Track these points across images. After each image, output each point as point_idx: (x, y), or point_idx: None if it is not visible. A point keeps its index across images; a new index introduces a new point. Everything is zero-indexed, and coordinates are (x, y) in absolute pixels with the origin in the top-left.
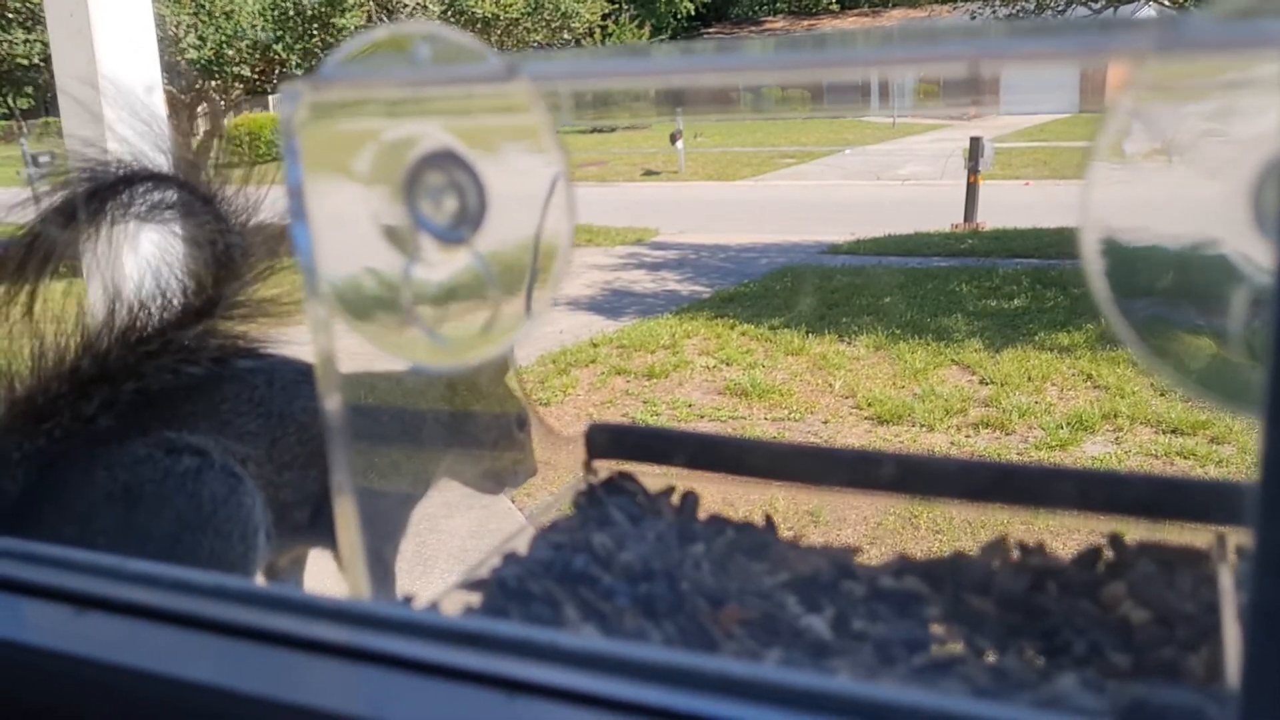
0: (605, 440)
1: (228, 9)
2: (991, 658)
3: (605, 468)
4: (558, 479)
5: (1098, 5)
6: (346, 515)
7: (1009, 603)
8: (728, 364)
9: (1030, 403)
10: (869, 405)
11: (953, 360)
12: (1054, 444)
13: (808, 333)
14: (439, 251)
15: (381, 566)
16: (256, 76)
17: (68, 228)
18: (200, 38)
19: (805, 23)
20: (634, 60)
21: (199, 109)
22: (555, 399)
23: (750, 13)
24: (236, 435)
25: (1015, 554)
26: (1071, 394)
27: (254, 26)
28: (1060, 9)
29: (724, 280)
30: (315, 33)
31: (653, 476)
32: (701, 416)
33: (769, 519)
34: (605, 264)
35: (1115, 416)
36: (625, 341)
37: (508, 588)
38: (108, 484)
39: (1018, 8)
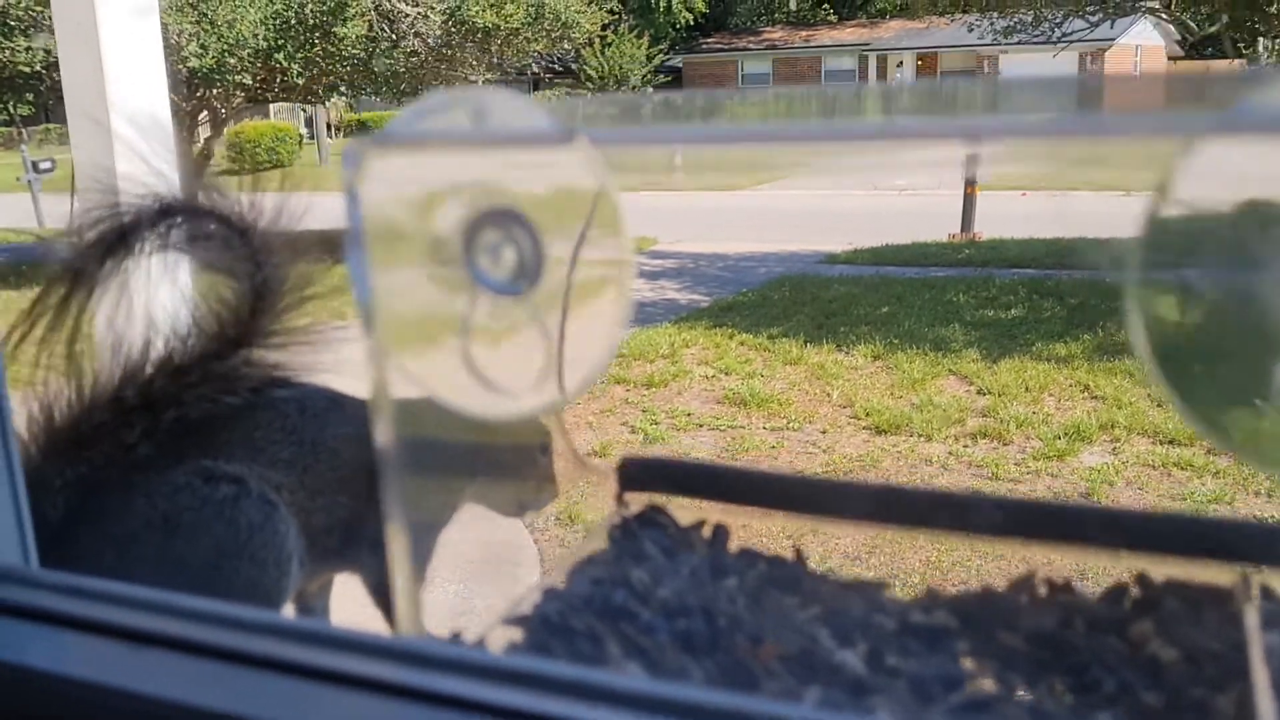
0: (637, 472)
1: (229, 18)
2: (1025, 695)
3: (637, 500)
4: (589, 509)
5: (1094, 18)
6: (398, 548)
7: (1039, 639)
8: (726, 373)
9: (1028, 413)
10: (867, 415)
11: (950, 370)
12: (1051, 454)
13: (806, 342)
14: (496, 303)
15: None
16: (258, 85)
17: (107, 261)
18: (202, 46)
19: (803, 33)
20: (683, 128)
21: (200, 117)
22: None
23: (749, 23)
24: (270, 462)
25: (1043, 590)
26: (1069, 404)
27: (255, 35)
28: (1057, 21)
29: (722, 289)
30: (316, 41)
31: (682, 508)
32: (700, 425)
33: (799, 552)
34: None
35: (1113, 427)
36: (624, 350)
37: (551, 624)
38: (147, 511)
39: (1015, 20)
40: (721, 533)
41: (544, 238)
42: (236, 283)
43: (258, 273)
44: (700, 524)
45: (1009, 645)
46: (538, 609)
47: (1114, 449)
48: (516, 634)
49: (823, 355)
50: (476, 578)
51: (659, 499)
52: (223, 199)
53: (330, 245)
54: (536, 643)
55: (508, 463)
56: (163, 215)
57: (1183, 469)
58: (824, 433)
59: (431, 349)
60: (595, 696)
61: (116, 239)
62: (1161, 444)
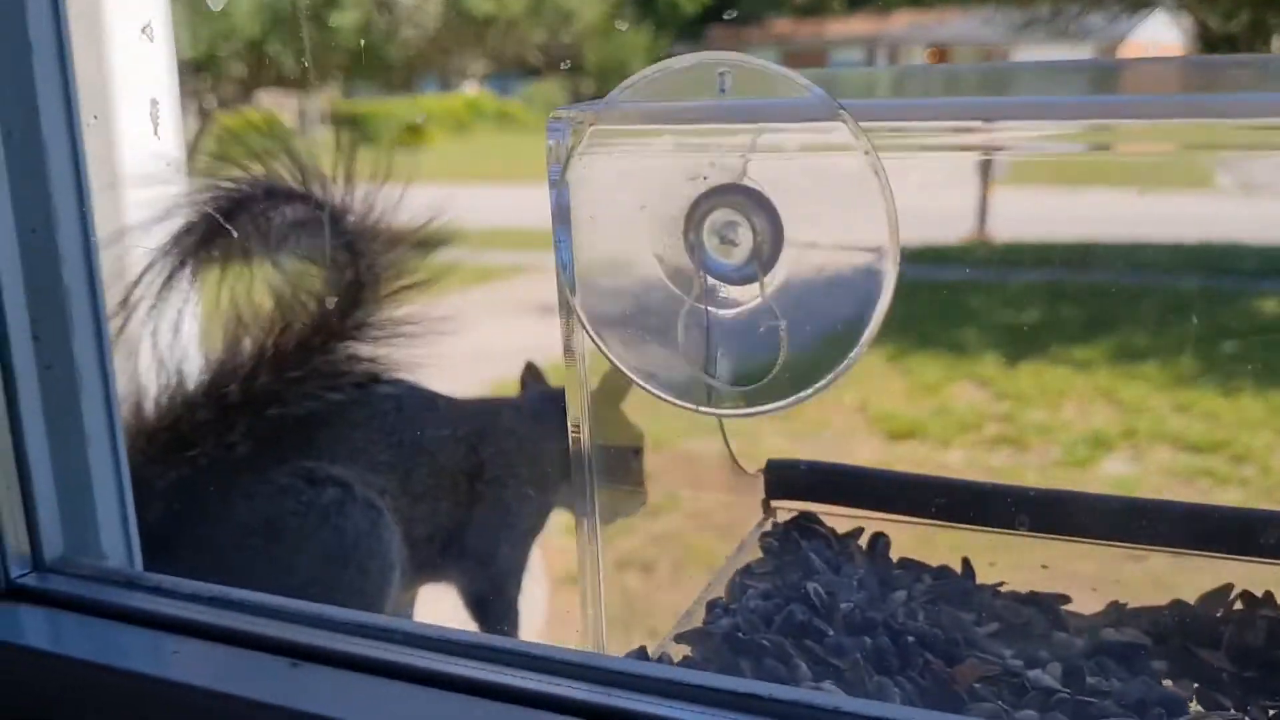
0: (786, 478)
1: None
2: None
3: (783, 506)
4: (738, 518)
5: (1114, 9)
6: (590, 555)
7: (1244, 657)
8: None
9: (1047, 419)
10: (881, 420)
11: (966, 374)
12: (1072, 462)
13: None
14: (724, 290)
15: (504, 603)
16: (249, 74)
17: (208, 244)
18: (194, 35)
19: (811, 24)
20: (955, 103)
21: (190, 107)
22: None
23: (754, 14)
24: (370, 465)
25: (1241, 604)
26: (1089, 410)
27: (248, 24)
28: (1076, 14)
29: None
30: (311, 31)
31: (830, 515)
32: (711, 430)
33: (967, 563)
34: None
35: (1134, 434)
36: None
37: (731, 640)
38: (248, 515)
39: (1031, 15)
40: (881, 542)
41: (785, 219)
42: (334, 272)
43: (356, 262)
44: (857, 532)
45: (1212, 664)
46: (709, 624)
47: (1136, 457)
48: (690, 650)
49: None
50: None
51: (803, 503)
52: (321, 186)
53: (428, 235)
54: (720, 660)
55: (601, 466)
56: (265, 198)
57: (1207, 477)
58: (838, 438)
59: (643, 337)
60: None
61: (216, 222)
62: (1184, 451)
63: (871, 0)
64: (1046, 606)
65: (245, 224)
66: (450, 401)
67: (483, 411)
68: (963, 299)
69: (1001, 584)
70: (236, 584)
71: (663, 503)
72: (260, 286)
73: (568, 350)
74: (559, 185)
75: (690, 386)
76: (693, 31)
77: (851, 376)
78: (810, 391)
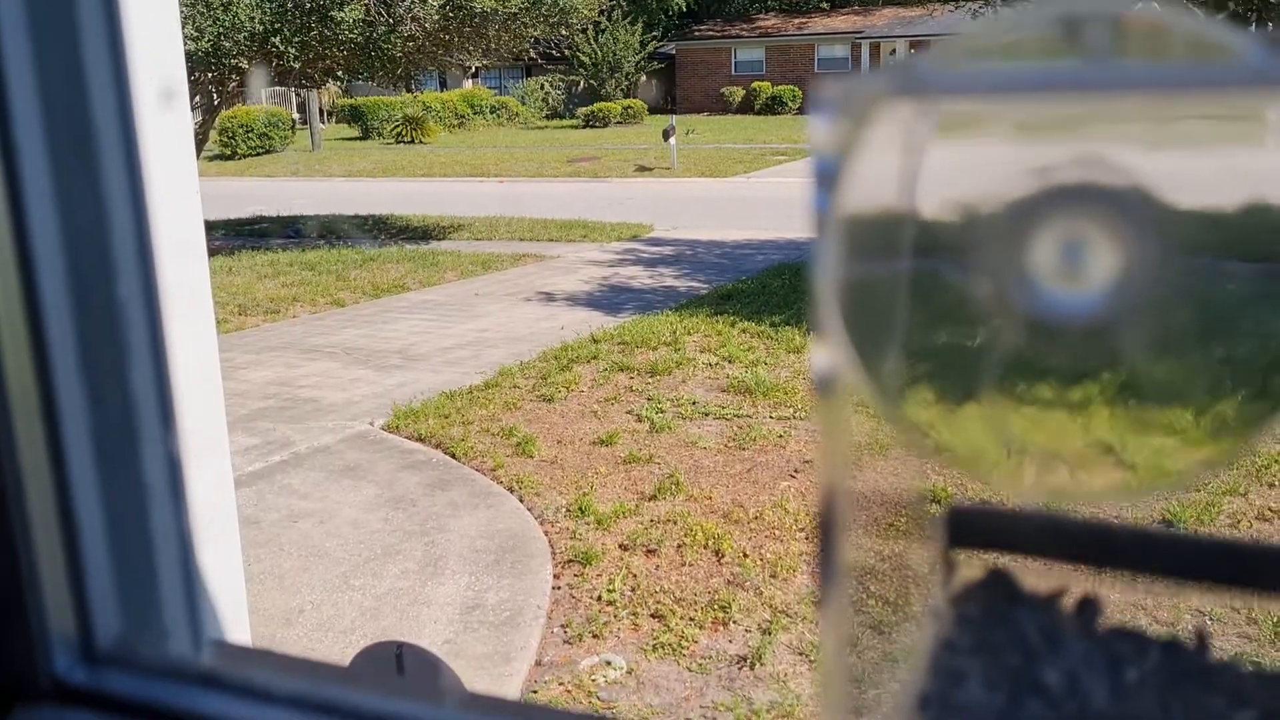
0: (971, 525)
1: (225, 1)
2: None
3: (965, 558)
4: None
5: None
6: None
7: None
8: (730, 361)
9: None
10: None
11: None
12: None
13: (809, 330)
14: (1061, 329)
15: None
16: (253, 69)
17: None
18: (197, 29)
19: (796, 21)
20: None
21: (195, 101)
22: (559, 395)
23: (741, 11)
24: None
25: None
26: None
27: (252, 19)
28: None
29: (721, 277)
30: (314, 25)
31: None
32: (706, 414)
33: (1201, 636)
34: (602, 260)
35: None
36: (626, 338)
37: None
38: None
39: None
40: (1091, 607)
41: (1169, 235)
42: None
43: None
44: (1060, 593)
45: None
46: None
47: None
48: None
49: (813, 328)
50: (487, 569)
51: (982, 554)
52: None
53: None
54: None
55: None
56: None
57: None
58: None
59: (941, 383)
60: None
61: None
62: None
63: None
64: None
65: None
66: None
67: None
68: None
69: (1241, 657)
70: None
71: (663, 485)
72: None
73: (822, 385)
74: (831, 183)
75: (1009, 470)
76: (682, 28)
77: None
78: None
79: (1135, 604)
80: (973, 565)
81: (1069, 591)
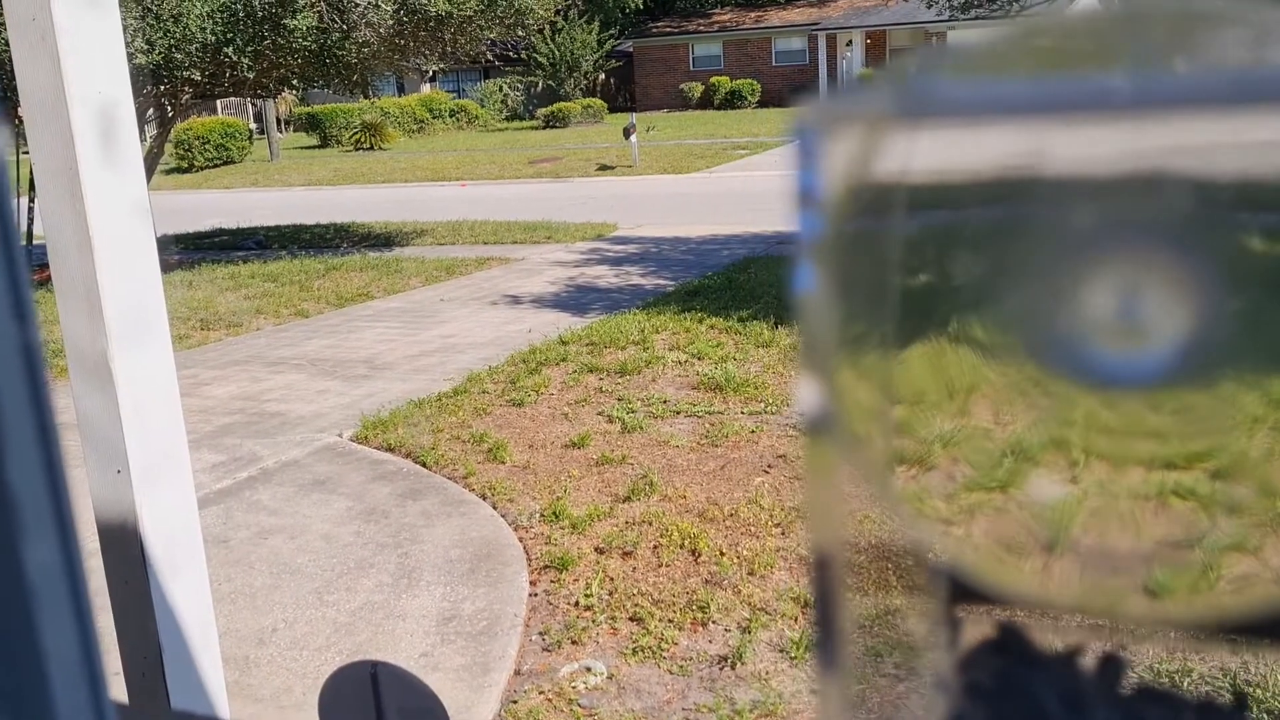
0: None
1: (176, 12)
2: None
3: (968, 612)
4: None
5: None
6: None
7: None
8: (699, 358)
9: None
10: None
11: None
12: None
13: (776, 324)
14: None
15: None
16: (206, 80)
17: None
18: (148, 42)
19: (752, 14)
20: None
21: (147, 114)
22: (529, 399)
23: (698, 6)
24: None
25: None
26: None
27: (203, 29)
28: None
29: (687, 273)
30: (266, 34)
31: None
32: (678, 412)
33: (1241, 698)
34: (567, 260)
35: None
36: (594, 338)
37: None
38: None
39: None
40: (1115, 666)
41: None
42: None
43: None
44: (1079, 651)
45: None
46: None
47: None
48: None
49: (795, 336)
50: (462, 579)
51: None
52: None
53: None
54: None
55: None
56: None
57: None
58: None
59: (946, 463)
60: None
61: None
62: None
63: None
64: None
65: None
66: None
67: None
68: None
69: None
70: None
71: (637, 485)
72: None
73: (814, 429)
74: (818, 209)
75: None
76: (638, 25)
77: None
78: None
79: (1165, 658)
80: (980, 622)
81: (1089, 648)
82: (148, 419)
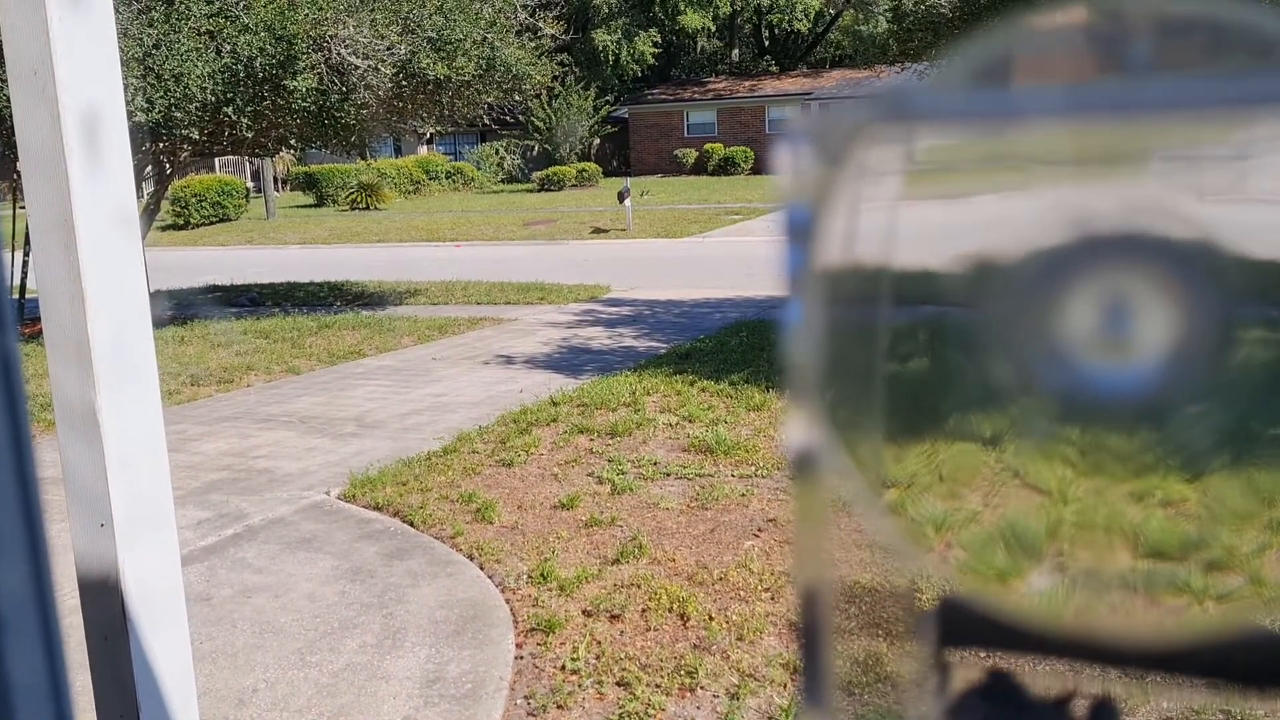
0: (966, 620)
1: (177, 72)
2: None
3: (958, 657)
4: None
5: None
6: None
7: None
8: (690, 420)
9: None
10: None
11: None
12: None
13: (768, 387)
14: (1077, 407)
15: None
16: (205, 139)
17: None
18: (149, 101)
19: (746, 83)
20: None
21: (145, 170)
22: (519, 459)
23: (693, 74)
24: None
25: None
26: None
27: (204, 89)
28: None
29: (679, 336)
30: (266, 94)
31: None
32: (668, 474)
33: None
34: (560, 321)
35: None
36: (586, 399)
37: None
38: None
39: None
40: (1108, 713)
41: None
42: None
43: None
44: (1071, 697)
45: None
46: None
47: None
48: None
49: (787, 400)
50: (447, 640)
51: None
52: None
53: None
54: None
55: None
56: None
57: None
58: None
59: (933, 475)
60: None
61: None
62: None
63: (803, 60)
64: None
65: None
66: None
67: None
68: None
69: None
70: None
71: (626, 548)
72: None
73: (801, 466)
74: (805, 235)
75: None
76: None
77: None
78: None
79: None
80: (970, 667)
81: (1081, 695)
82: (133, 473)
